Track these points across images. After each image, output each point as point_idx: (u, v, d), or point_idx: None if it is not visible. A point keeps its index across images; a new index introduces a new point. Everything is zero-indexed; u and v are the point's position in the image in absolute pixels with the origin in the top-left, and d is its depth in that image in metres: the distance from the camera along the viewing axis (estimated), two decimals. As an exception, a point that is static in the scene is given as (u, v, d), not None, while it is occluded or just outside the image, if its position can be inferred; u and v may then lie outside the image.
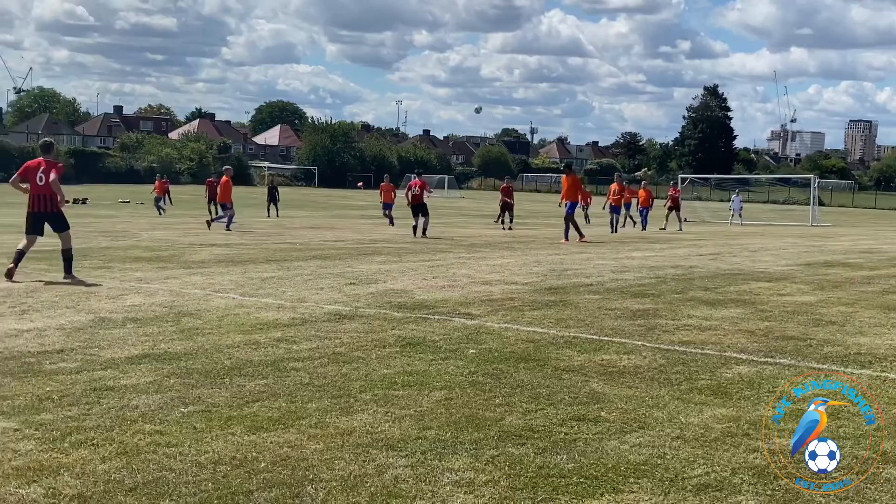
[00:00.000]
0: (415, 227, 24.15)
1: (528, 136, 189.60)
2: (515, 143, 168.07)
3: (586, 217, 36.54)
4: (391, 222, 30.95)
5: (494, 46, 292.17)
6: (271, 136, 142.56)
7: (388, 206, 32.63)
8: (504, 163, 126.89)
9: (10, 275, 11.98)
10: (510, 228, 29.83)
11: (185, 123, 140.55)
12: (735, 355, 8.16)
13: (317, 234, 25.00)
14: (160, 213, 35.97)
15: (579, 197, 23.43)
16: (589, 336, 8.91)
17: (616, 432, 5.62)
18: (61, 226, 12.50)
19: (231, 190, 27.24)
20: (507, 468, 4.91)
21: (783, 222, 46.14)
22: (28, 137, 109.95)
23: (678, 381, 7.04)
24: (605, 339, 8.78)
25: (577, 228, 23.03)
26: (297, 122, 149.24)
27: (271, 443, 5.25)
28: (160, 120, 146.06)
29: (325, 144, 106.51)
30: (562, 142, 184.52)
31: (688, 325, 9.68)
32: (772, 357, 8.11)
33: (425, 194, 24.74)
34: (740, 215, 43.13)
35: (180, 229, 25.29)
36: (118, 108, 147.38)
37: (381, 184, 35.45)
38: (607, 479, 4.79)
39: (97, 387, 6.41)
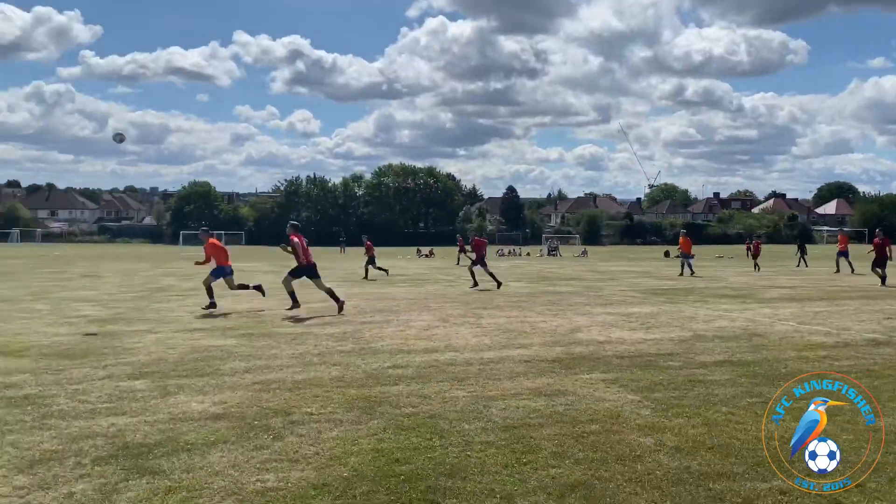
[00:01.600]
0: None
1: None
2: None
3: None
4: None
5: None
6: (829, 208, 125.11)
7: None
8: None
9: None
10: None
11: (763, 202, 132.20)
12: None
13: (865, 280, 21.30)
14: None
15: None
16: None
17: None
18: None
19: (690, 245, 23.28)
20: None
21: None
22: (656, 216, 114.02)
23: None
24: None
25: None
26: (851, 195, 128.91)
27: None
28: (745, 200, 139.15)
29: (875, 211, 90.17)
30: None
31: None
32: None
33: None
34: None
35: (757, 275, 23.75)
36: (716, 194, 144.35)
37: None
38: None
39: (692, 379, 6.49)
